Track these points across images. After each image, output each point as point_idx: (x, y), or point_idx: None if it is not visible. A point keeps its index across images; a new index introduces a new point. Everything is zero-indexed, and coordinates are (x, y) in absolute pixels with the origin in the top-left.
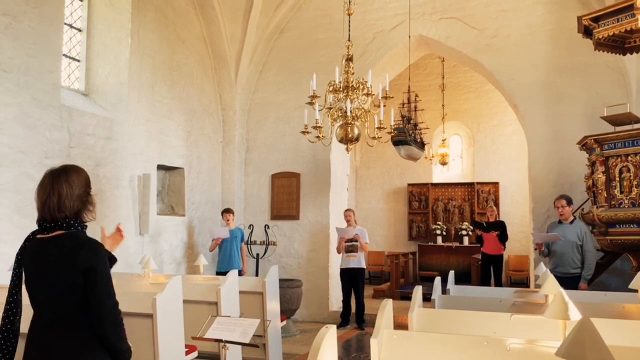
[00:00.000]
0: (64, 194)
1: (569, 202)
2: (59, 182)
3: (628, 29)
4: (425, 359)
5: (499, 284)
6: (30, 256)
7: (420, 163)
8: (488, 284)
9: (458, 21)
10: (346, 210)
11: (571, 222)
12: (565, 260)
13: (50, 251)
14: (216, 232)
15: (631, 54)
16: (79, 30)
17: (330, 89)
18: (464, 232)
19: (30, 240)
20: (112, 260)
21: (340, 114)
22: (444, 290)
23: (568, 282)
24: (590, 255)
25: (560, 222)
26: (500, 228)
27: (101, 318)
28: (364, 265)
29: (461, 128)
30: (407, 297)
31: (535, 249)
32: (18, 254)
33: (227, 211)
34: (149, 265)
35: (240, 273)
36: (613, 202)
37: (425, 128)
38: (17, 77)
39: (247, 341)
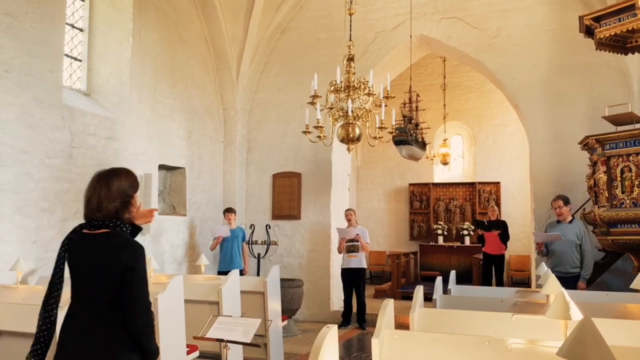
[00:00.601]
0: (102, 196)
1: (566, 202)
2: (100, 185)
3: (630, 28)
4: (427, 359)
5: (500, 283)
6: (75, 249)
7: (421, 163)
8: (489, 284)
9: (459, 21)
10: (347, 210)
11: (570, 222)
12: (565, 259)
13: (93, 247)
14: (217, 230)
15: (633, 53)
16: (81, 30)
17: (332, 89)
18: (465, 232)
19: (76, 232)
20: (137, 229)
21: (341, 114)
22: (445, 290)
23: (567, 281)
24: (589, 255)
25: (558, 222)
26: (501, 227)
27: (133, 317)
28: (365, 265)
29: (462, 128)
30: (408, 297)
31: (536, 249)
32: (64, 244)
33: (228, 211)
34: (150, 265)
35: (241, 273)
36: (614, 202)
37: (426, 128)
38: (19, 77)
39: (248, 341)
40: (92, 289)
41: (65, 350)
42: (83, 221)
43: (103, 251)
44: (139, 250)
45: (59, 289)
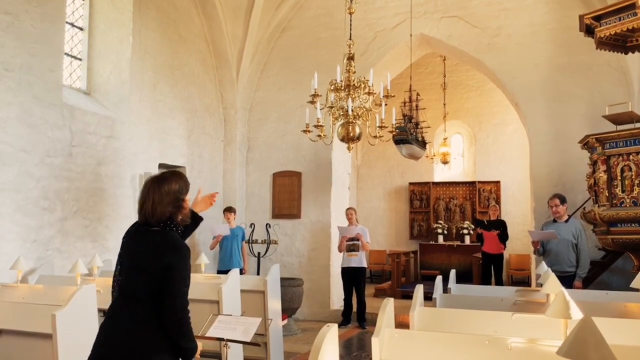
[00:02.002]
0: (156, 201)
1: (563, 201)
2: (154, 190)
3: (630, 27)
4: (427, 358)
5: (499, 283)
6: (128, 240)
7: (421, 162)
8: (489, 283)
9: (460, 20)
10: (348, 209)
11: (566, 221)
12: (561, 258)
13: (143, 243)
14: (217, 229)
15: (633, 52)
16: (81, 29)
17: (332, 88)
18: (465, 231)
19: (134, 226)
20: (198, 219)
21: (341, 113)
22: (445, 289)
23: (563, 280)
24: (585, 254)
25: (554, 220)
26: (501, 227)
27: (169, 314)
28: (365, 265)
29: (462, 127)
30: (409, 296)
31: (533, 248)
32: (123, 238)
33: (228, 210)
34: None
35: (241, 272)
36: (614, 201)
37: (426, 127)
38: (19, 76)
39: (248, 340)
40: (135, 282)
41: (104, 345)
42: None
43: (150, 247)
44: (184, 250)
45: (119, 280)
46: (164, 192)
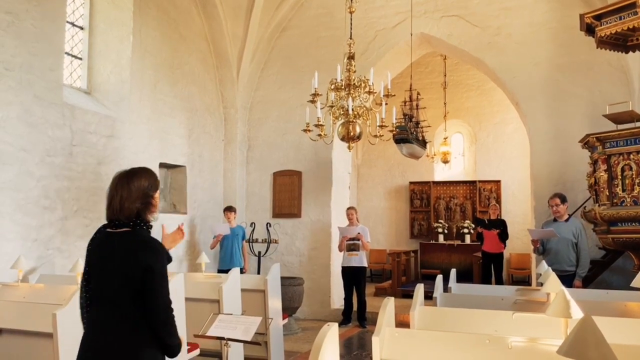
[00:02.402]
0: (124, 197)
1: (563, 200)
2: (122, 186)
3: (630, 26)
4: (427, 357)
5: (499, 282)
6: (97, 247)
7: (422, 161)
8: (489, 282)
9: (460, 19)
10: (349, 209)
11: (566, 220)
12: (561, 257)
13: (115, 245)
14: (217, 228)
15: (633, 52)
16: (81, 28)
17: (332, 87)
18: (466, 231)
19: (100, 232)
20: (168, 259)
21: (342, 112)
22: (446, 289)
23: (563, 279)
24: (585, 253)
25: (555, 220)
26: (501, 227)
27: (153, 314)
28: (365, 264)
29: (463, 126)
30: (409, 295)
31: (533, 247)
32: (89, 245)
33: (228, 209)
34: None
35: (241, 271)
36: (615, 201)
37: (427, 126)
38: (20, 75)
39: (249, 339)
40: (113, 287)
41: (88, 350)
42: (101, 221)
43: (124, 250)
44: (160, 248)
45: (89, 289)
46: (133, 188)
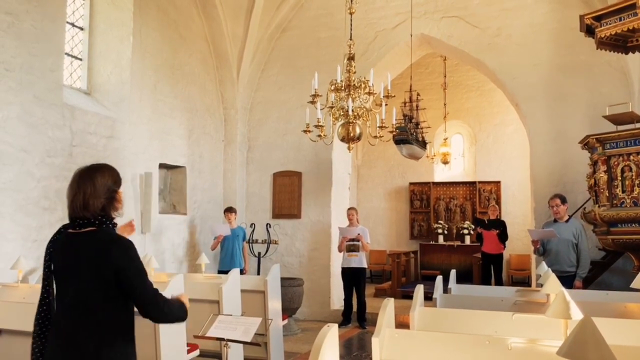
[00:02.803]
0: (88, 193)
1: (563, 200)
2: (84, 182)
3: (630, 28)
4: (427, 358)
5: (499, 283)
6: (61, 250)
7: (421, 162)
8: (489, 283)
9: (460, 20)
10: (349, 209)
11: (567, 221)
12: (561, 258)
13: (82, 246)
14: (217, 229)
15: (633, 53)
16: (81, 28)
17: (332, 88)
18: (466, 231)
19: (60, 233)
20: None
21: (342, 113)
22: (446, 289)
23: (563, 280)
24: (585, 254)
25: (555, 220)
26: (500, 227)
27: (145, 309)
28: (365, 265)
29: (463, 127)
30: (409, 296)
31: (533, 248)
32: (48, 247)
33: (229, 210)
34: (150, 263)
35: (241, 272)
36: (615, 202)
37: (427, 127)
38: (20, 75)
39: (248, 340)
40: (85, 292)
41: (56, 358)
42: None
43: (92, 250)
44: (130, 245)
45: (49, 292)
46: (97, 184)
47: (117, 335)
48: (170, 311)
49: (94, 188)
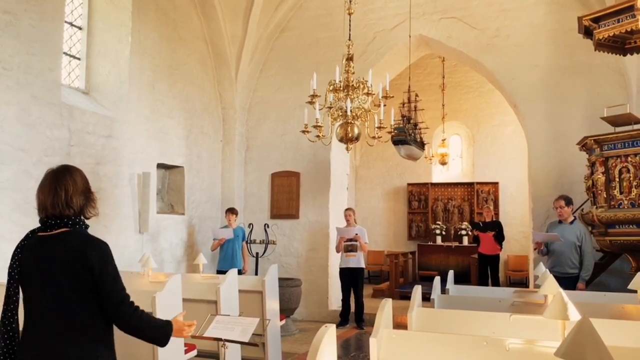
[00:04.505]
0: (70, 191)
1: (568, 202)
2: (65, 180)
3: (628, 29)
4: (425, 358)
5: (496, 284)
6: (31, 254)
7: (420, 163)
8: (486, 284)
9: (459, 21)
10: (346, 210)
11: (571, 223)
12: (563, 259)
13: (55, 249)
14: (220, 233)
15: (631, 54)
16: (80, 28)
17: (331, 88)
18: (464, 232)
19: (29, 238)
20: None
21: (340, 114)
22: (443, 290)
23: (565, 282)
24: (588, 256)
25: (560, 222)
26: (496, 228)
27: (110, 312)
28: (363, 265)
29: (461, 128)
30: (407, 297)
31: (535, 249)
32: (16, 252)
33: (230, 211)
34: (148, 263)
35: (241, 272)
36: (613, 203)
37: (425, 128)
38: (18, 75)
39: (246, 340)
40: (60, 293)
41: None
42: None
43: (66, 251)
44: (104, 246)
45: (16, 301)
46: (78, 181)
47: (97, 338)
48: (139, 325)
49: (76, 185)
